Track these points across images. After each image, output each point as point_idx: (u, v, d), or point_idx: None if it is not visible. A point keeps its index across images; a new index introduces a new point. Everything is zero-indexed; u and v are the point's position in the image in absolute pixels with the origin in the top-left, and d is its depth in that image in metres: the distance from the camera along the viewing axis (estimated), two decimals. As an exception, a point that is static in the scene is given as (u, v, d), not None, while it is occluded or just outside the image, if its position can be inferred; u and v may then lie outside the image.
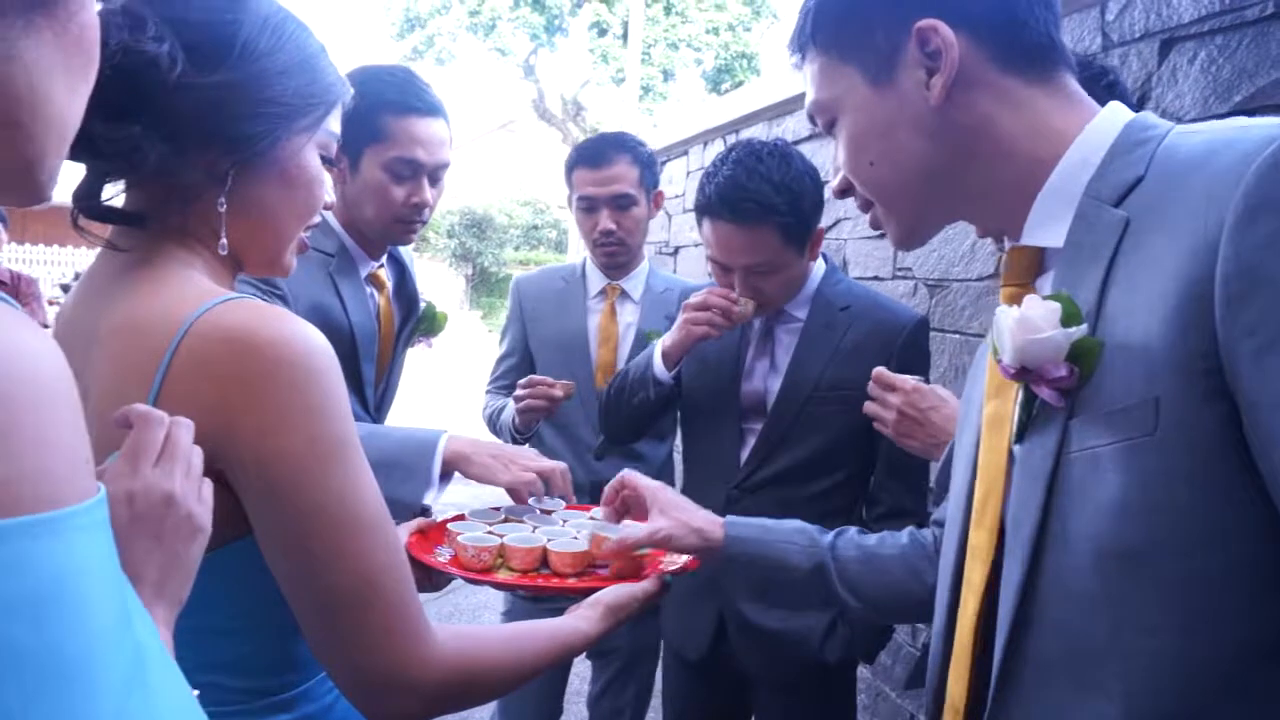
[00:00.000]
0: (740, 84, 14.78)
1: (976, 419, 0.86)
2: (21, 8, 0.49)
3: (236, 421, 0.75)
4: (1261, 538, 0.62)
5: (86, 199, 0.85)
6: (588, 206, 2.17)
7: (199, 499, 0.70)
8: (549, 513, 1.37)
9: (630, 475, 1.27)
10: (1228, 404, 0.62)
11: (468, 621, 4.06)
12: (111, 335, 0.81)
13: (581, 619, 1.02)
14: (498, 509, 1.36)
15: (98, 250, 0.90)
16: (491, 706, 2.37)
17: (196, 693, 0.55)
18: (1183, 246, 0.64)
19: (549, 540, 1.20)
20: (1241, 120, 0.71)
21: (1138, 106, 0.92)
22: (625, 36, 15.85)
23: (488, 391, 2.38)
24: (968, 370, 2.24)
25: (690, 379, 1.79)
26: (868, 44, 0.82)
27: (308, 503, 0.77)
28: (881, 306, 1.75)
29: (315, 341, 0.79)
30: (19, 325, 0.43)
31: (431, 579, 1.16)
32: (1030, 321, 0.71)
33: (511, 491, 1.36)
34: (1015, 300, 0.77)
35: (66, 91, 0.53)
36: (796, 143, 3.02)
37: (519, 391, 2.03)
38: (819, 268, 1.76)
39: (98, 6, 0.57)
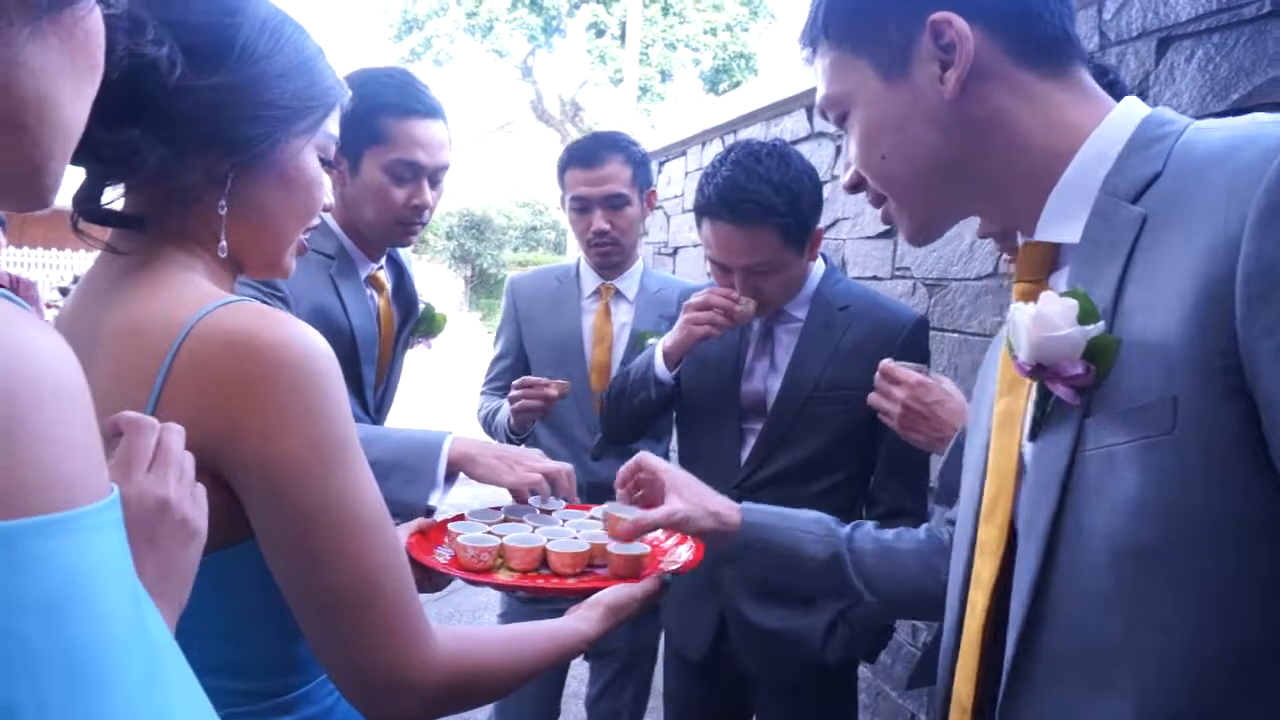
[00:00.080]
0: (738, 84, 14.77)
1: (987, 417, 0.86)
2: (28, 13, 0.49)
3: (237, 424, 0.76)
4: (1277, 538, 0.62)
5: (86, 202, 0.85)
6: (581, 207, 2.17)
7: (193, 503, 0.70)
8: (549, 512, 1.37)
9: (646, 457, 1.26)
10: (1246, 403, 0.61)
11: (468, 622, 4.06)
12: (112, 338, 0.81)
13: (581, 620, 1.02)
14: (497, 509, 1.36)
15: (97, 254, 0.89)
16: (488, 708, 2.37)
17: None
18: (1202, 243, 0.63)
19: (549, 540, 1.20)
20: (1261, 116, 0.69)
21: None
22: (623, 37, 15.88)
23: (482, 393, 2.37)
24: (966, 369, 2.25)
25: (690, 379, 1.80)
26: (880, 37, 0.81)
27: (309, 504, 0.77)
28: (881, 306, 1.75)
29: (316, 344, 0.79)
30: (29, 325, 0.42)
31: (431, 580, 1.16)
32: (1047, 318, 0.71)
33: (514, 492, 1.36)
34: (1029, 297, 0.76)
35: (72, 96, 0.53)
36: (794, 142, 3.02)
37: (514, 392, 2.03)
38: (818, 268, 1.76)
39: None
